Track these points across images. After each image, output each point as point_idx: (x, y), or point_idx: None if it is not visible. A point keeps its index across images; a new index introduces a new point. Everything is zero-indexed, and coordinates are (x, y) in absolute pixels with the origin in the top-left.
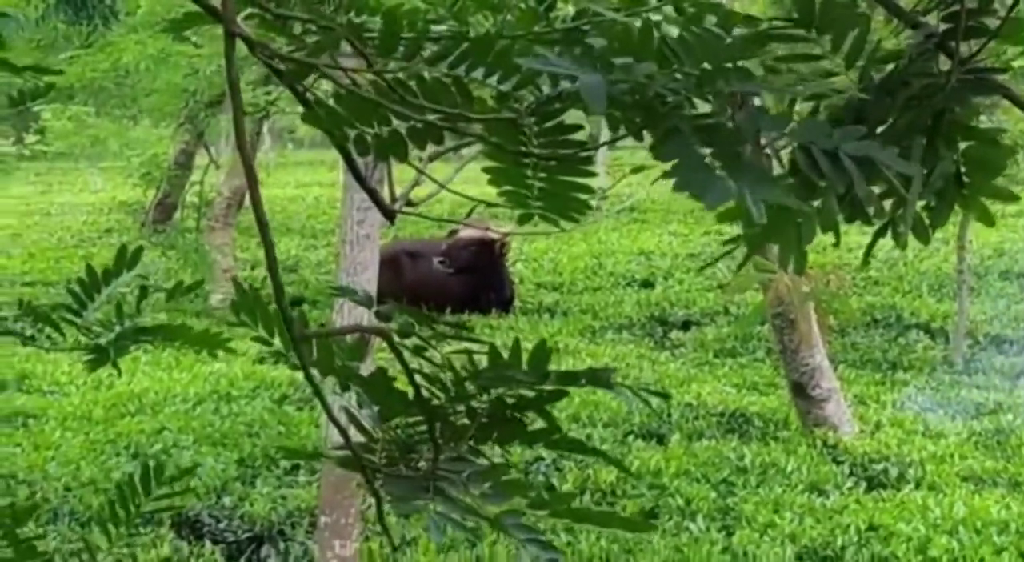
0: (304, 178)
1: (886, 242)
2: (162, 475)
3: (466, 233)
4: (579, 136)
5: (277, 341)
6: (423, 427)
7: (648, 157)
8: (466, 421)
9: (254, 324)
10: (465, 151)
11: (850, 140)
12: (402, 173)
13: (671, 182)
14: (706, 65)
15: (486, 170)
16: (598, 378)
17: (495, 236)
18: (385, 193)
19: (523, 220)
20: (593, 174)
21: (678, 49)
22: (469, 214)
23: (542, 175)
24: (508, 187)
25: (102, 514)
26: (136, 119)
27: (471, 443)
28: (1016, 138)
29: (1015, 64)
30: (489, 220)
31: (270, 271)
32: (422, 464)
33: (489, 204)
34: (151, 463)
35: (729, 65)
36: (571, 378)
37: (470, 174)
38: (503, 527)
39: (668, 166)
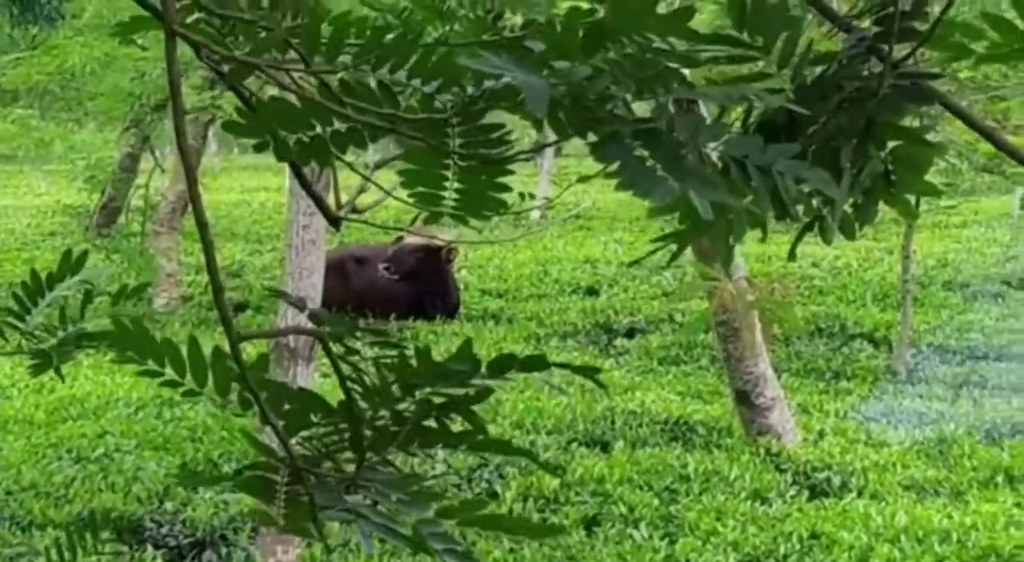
0: (250, 183)
1: (830, 251)
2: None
3: (412, 240)
4: (512, 138)
5: (169, 370)
6: (335, 437)
7: (595, 167)
8: (392, 427)
9: (142, 358)
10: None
11: (783, 157)
12: (348, 180)
13: (614, 187)
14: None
15: (400, 172)
16: (532, 363)
17: (441, 243)
18: (331, 200)
19: (429, 221)
20: (511, 173)
21: (613, 49)
22: (414, 221)
23: (460, 176)
24: (420, 188)
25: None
26: (81, 122)
27: (392, 450)
28: (960, 149)
29: (962, 75)
30: (436, 228)
31: (210, 271)
32: (333, 474)
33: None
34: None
35: (667, 68)
36: (504, 365)
37: None
38: (420, 537)
39: (611, 170)
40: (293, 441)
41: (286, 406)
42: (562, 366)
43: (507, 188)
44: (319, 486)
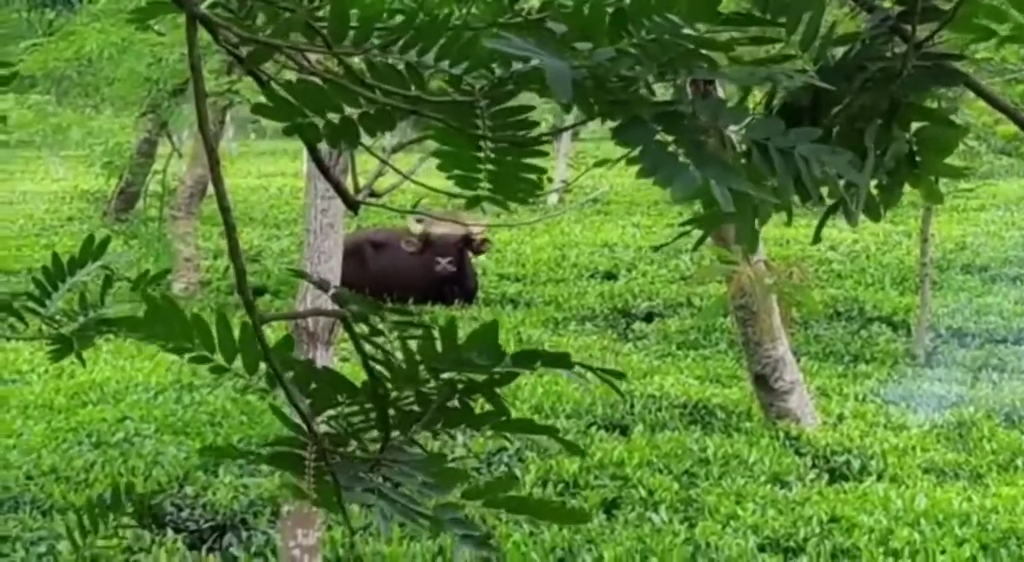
0: (267, 168)
1: (848, 235)
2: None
3: (441, 227)
4: (535, 120)
5: (197, 344)
6: (361, 417)
7: (613, 150)
8: (415, 407)
9: (170, 334)
10: (428, 143)
11: (804, 141)
12: (365, 164)
13: (635, 175)
14: (663, 47)
15: (436, 154)
16: (556, 360)
17: (476, 231)
18: (349, 183)
19: (471, 204)
20: (544, 154)
21: (634, 31)
22: (415, 205)
23: (493, 158)
24: (458, 171)
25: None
26: (98, 108)
27: (416, 430)
28: (979, 132)
29: (978, 56)
30: (451, 211)
31: (232, 254)
32: (358, 453)
33: (451, 195)
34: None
35: (690, 50)
36: (528, 359)
37: (432, 165)
38: (439, 521)
39: (633, 155)
40: (318, 420)
41: (312, 386)
42: (586, 367)
43: (541, 170)
44: (343, 465)
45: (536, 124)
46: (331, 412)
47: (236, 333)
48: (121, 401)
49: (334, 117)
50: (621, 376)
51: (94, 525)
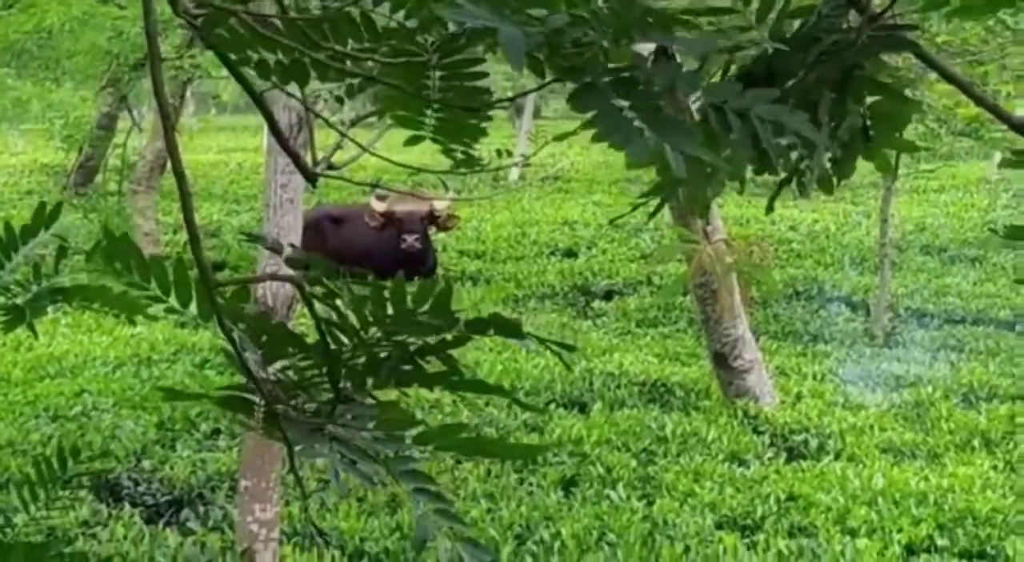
0: (227, 143)
1: (808, 215)
2: (78, 454)
3: (406, 204)
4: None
5: (153, 285)
6: (312, 373)
7: (573, 126)
8: (365, 364)
9: (127, 271)
10: (388, 119)
11: (762, 102)
12: (325, 139)
13: (591, 139)
14: (617, 13)
15: (381, 97)
16: (507, 328)
17: (440, 207)
18: (308, 158)
19: (412, 141)
20: (489, 104)
21: None
22: (374, 186)
23: (439, 109)
24: (402, 113)
25: (21, 477)
26: (59, 81)
27: (368, 386)
28: (939, 114)
29: (940, 39)
30: (413, 187)
31: (186, 220)
32: (308, 406)
33: (412, 170)
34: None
35: (645, 16)
36: (481, 326)
37: (394, 140)
38: (393, 473)
39: (588, 120)
40: (270, 370)
41: (263, 338)
42: (539, 339)
43: (487, 117)
44: (294, 421)
45: (485, 74)
46: (281, 364)
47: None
48: (79, 375)
49: (286, 58)
50: (572, 349)
51: (45, 490)
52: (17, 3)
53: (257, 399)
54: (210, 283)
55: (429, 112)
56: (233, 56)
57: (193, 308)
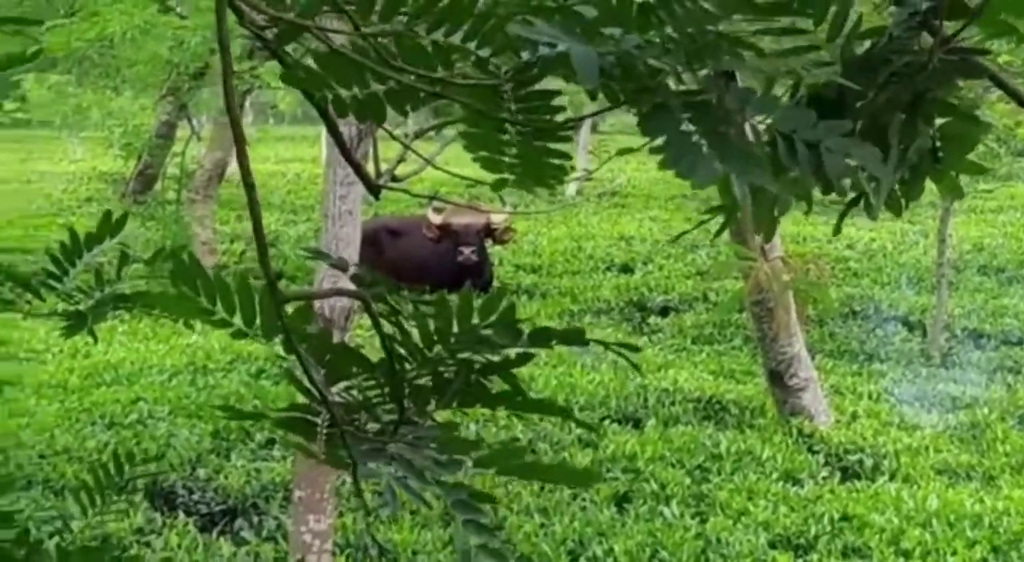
0: (285, 153)
1: (866, 234)
2: (134, 459)
3: (461, 217)
4: (559, 104)
5: (219, 307)
6: (375, 393)
7: (631, 142)
8: (429, 384)
9: (195, 292)
10: (448, 131)
11: (832, 135)
12: (384, 151)
13: (657, 164)
14: (693, 36)
15: (463, 135)
16: (571, 337)
17: (497, 220)
18: (370, 169)
19: (497, 186)
20: (568, 139)
21: (665, 18)
22: (432, 198)
23: (519, 141)
24: (484, 153)
25: (77, 483)
26: (118, 89)
27: (432, 407)
28: (999, 134)
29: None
30: (470, 200)
31: (256, 232)
32: (370, 426)
33: (472, 182)
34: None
35: (719, 40)
36: (543, 337)
37: (452, 154)
38: (447, 500)
39: (656, 144)
40: (333, 390)
41: (326, 357)
42: (601, 343)
43: (566, 156)
44: (356, 439)
45: (563, 109)
46: (345, 384)
47: (257, 296)
48: (135, 383)
49: (361, 91)
50: (637, 350)
51: (101, 495)
52: (79, 11)
53: (318, 420)
54: (277, 299)
55: (508, 152)
56: (309, 93)
57: (258, 327)
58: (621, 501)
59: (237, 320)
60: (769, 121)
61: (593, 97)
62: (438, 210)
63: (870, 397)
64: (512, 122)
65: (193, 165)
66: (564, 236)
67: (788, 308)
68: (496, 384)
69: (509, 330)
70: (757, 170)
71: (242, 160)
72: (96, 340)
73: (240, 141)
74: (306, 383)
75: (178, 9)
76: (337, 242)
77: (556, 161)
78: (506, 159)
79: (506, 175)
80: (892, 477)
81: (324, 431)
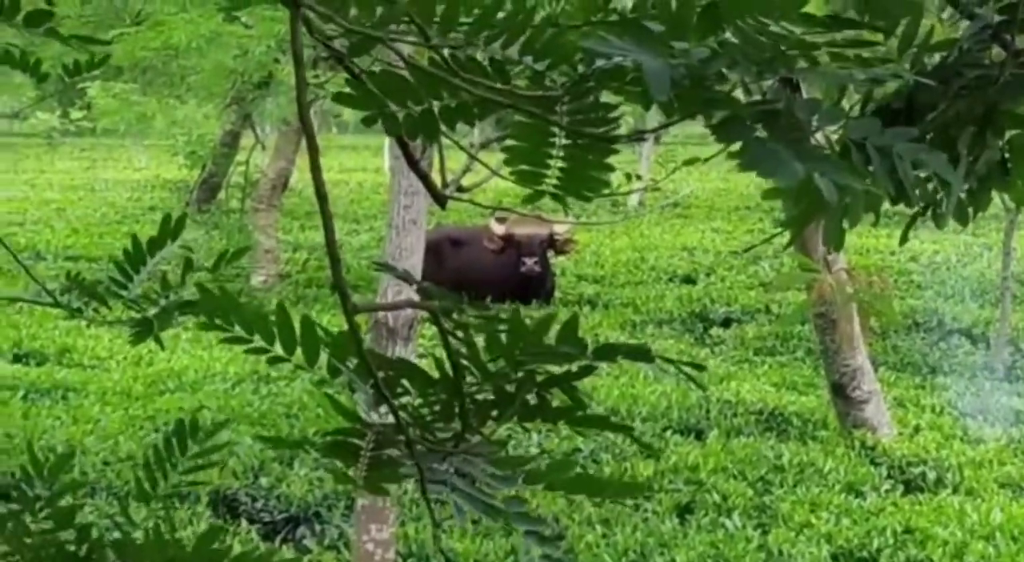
0: (348, 163)
1: (929, 246)
2: (196, 433)
3: (525, 227)
4: (615, 116)
5: (257, 337)
6: (433, 408)
7: (695, 153)
8: (491, 398)
9: (229, 324)
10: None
11: (902, 141)
12: (450, 163)
13: (716, 179)
14: (760, 46)
15: (505, 149)
16: (636, 353)
17: (560, 230)
18: (435, 178)
19: (531, 199)
20: (616, 152)
21: (731, 31)
22: (494, 211)
23: (564, 155)
24: (523, 166)
25: (139, 483)
26: (182, 98)
27: (491, 423)
28: None
29: None
30: (533, 211)
31: (328, 243)
32: (420, 447)
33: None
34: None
35: (792, 50)
36: (609, 352)
37: None
38: (507, 513)
39: (733, 150)
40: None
41: (381, 375)
42: (666, 360)
43: (610, 168)
44: (424, 449)
45: (616, 121)
46: (404, 400)
47: (297, 323)
48: (198, 390)
49: (415, 109)
50: (702, 369)
51: (168, 519)
52: (144, 20)
53: (363, 444)
54: (349, 308)
55: (552, 164)
56: (360, 113)
57: (299, 355)
58: (683, 512)
59: (277, 348)
60: (839, 130)
61: (647, 108)
62: (500, 220)
63: (933, 410)
64: (567, 131)
65: (257, 174)
66: (626, 247)
67: (851, 320)
68: (556, 397)
69: (574, 343)
70: (839, 169)
71: (315, 172)
72: (163, 347)
73: (314, 153)
74: (360, 404)
75: (243, 19)
76: (401, 252)
77: (599, 174)
78: (547, 172)
79: (544, 187)
80: (955, 490)
81: (368, 454)
